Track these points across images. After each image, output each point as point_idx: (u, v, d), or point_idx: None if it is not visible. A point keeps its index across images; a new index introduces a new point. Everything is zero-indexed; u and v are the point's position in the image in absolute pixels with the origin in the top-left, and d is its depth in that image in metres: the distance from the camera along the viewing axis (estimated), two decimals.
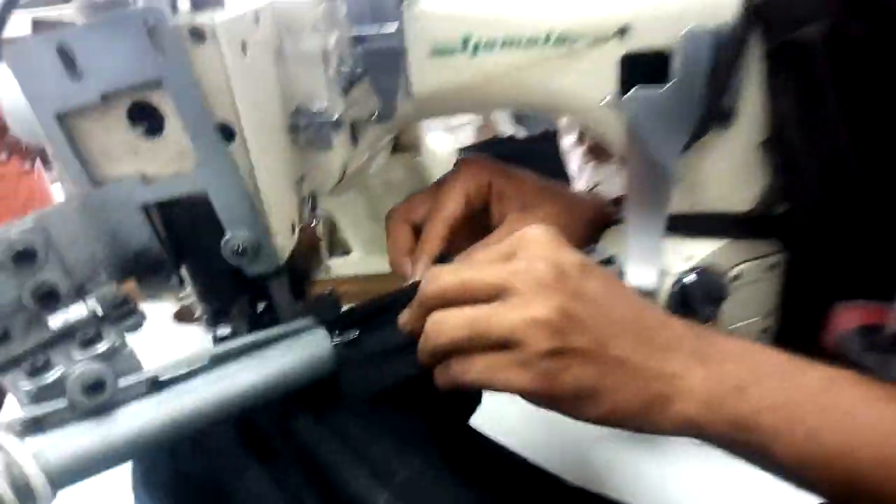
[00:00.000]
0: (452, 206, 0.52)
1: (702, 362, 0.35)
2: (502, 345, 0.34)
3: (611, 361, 0.34)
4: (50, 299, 0.35)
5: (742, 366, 0.35)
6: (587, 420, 0.35)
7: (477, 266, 0.37)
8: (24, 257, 0.34)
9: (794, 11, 0.41)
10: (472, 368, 0.35)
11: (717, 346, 0.36)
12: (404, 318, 0.39)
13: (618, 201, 0.58)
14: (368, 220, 0.78)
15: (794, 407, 0.33)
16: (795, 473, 0.34)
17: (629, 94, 0.44)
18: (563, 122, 1.42)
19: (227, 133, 0.34)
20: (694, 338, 0.36)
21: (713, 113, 0.44)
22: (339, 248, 0.88)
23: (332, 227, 0.86)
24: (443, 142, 0.87)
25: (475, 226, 0.53)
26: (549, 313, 0.33)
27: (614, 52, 0.45)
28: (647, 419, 0.35)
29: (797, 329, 0.52)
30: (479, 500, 0.38)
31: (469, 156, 0.55)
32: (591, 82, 0.46)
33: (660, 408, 0.35)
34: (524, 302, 0.34)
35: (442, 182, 0.54)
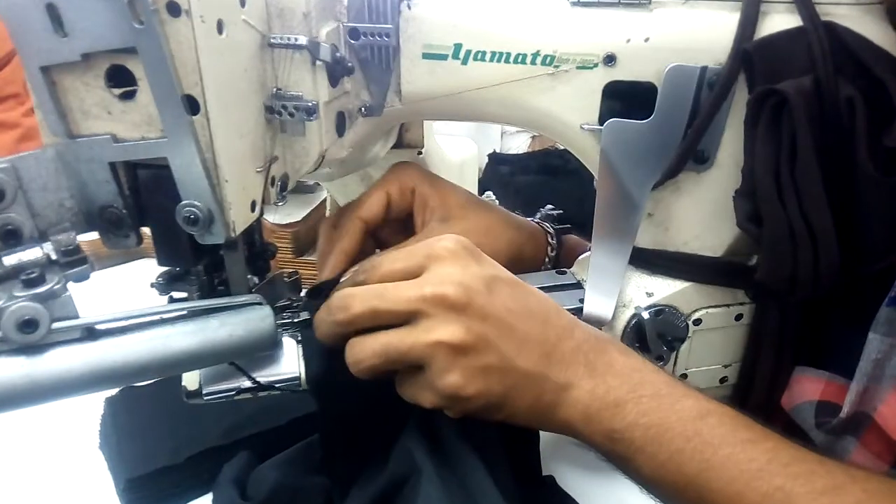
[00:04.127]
0: (369, 205, 0.53)
1: (591, 374, 0.38)
2: (418, 365, 0.37)
3: (516, 375, 0.37)
4: (11, 238, 0.37)
5: (626, 383, 0.38)
6: (487, 419, 0.39)
7: (387, 290, 0.38)
8: None
9: (782, 62, 0.40)
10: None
11: (607, 360, 0.39)
12: (321, 330, 0.40)
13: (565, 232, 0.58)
14: None
15: (663, 429, 0.36)
16: (654, 488, 0.38)
17: (606, 124, 0.44)
18: None
19: (193, 105, 0.36)
20: (589, 350, 0.39)
21: (690, 154, 0.44)
22: None
23: None
24: (456, 147, 0.87)
25: (404, 230, 0.54)
26: (458, 336, 0.35)
27: (600, 79, 0.45)
28: (535, 422, 0.39)
29: (758, 384, 0.51)
30: None
31: (402, 161, 0.56)
32: (575, 106, 0.46)
33: (549, 413, 0.38)
34: (434, 325, 0.36)
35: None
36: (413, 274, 0.38)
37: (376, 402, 0.41)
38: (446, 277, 0.37)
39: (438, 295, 0.36)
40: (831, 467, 0.35)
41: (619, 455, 0.38)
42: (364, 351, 0.37)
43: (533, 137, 3.00)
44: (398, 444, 0.40)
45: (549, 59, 0.45)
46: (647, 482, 0.38)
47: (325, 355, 0.41)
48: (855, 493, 0.34)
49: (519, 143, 2.99)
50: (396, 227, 0.55)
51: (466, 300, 0.36)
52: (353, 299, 0.38)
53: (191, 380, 0.44)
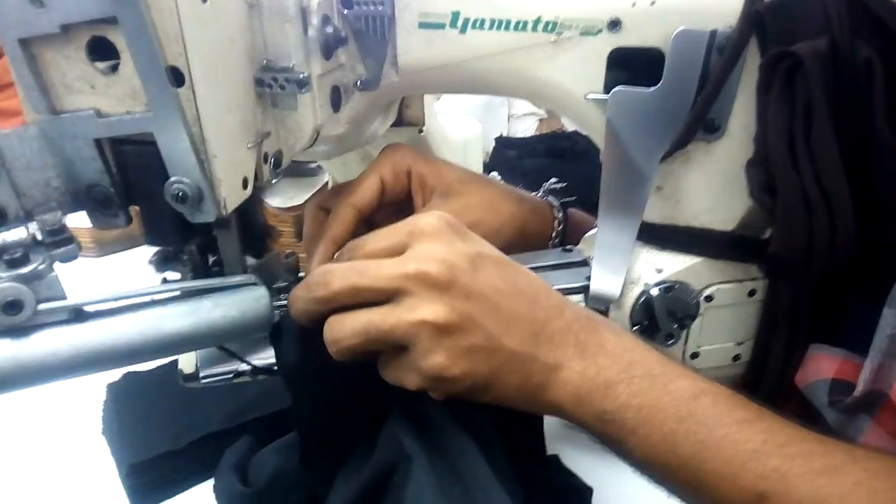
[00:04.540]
0: (363, 192, 0.51)
1: (582, 355, 0.36)
2: (400, 345, 0.35)
3: (503, 355, 0.35)
4: None
5: (617, 363, 0.36)
6: (473, 401, 0.37)
7: (369, 266, 0.36)
8: None
9: (795, 23, 0.38)
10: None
11: (598, 341, 0.37)
12: (298, 308, 0.38)
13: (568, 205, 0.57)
14: None
15: (656, 410, 0.35)
16: (648, 470, 0.37)
17: (612, 92, 0.42)
18: None
19: (178, 77, 0.34)
20: (580, 330, 0.37)
21: (700, 123, 0.42)
22: None
23: None
24: (459, 126, 0.85)
25: (399, 213, 0.52)
26: (442, 315, 0.34)
27: (605, 46, 0.43)
28: (524, 404, 0.37)
29: (772, 362, 0.49)
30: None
31: (393, 143, 0.54)
32: (578, 74, 0.44)
33: (538, 395, 0.36)
34: (417, 304, 0.34)
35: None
36: (397, 251, 0.36)
37: (357, 387, 0.40)
38: (429, 254, 0.35)
39: (421, 272, 0.34)
40: (830, 447, 0.34)
41: (610, 437, 0.36)
42: (344, 329, 0.36)
43: (541, 120, 2.97)
44: (384, 431, 0.39)
45: (550, 25, 0.43)
46: (640, 464, 0.37)
47: (301, 338, 0.39)
48: (855, 472, 0.32)
49: (526, 127, 2.96)
50: (391, 210, 0.53)
51: (450, 278, 0.34)
52: (333, 275, 0.36)
53: (188, 363, 0.43)
